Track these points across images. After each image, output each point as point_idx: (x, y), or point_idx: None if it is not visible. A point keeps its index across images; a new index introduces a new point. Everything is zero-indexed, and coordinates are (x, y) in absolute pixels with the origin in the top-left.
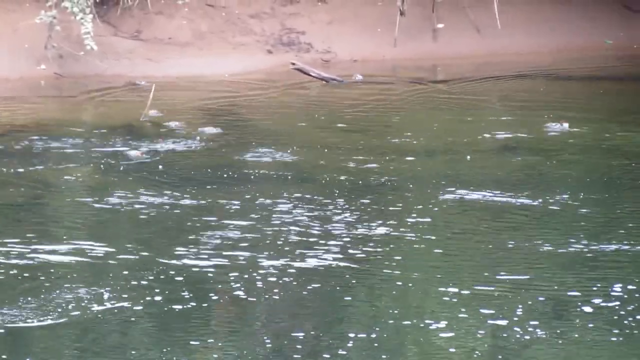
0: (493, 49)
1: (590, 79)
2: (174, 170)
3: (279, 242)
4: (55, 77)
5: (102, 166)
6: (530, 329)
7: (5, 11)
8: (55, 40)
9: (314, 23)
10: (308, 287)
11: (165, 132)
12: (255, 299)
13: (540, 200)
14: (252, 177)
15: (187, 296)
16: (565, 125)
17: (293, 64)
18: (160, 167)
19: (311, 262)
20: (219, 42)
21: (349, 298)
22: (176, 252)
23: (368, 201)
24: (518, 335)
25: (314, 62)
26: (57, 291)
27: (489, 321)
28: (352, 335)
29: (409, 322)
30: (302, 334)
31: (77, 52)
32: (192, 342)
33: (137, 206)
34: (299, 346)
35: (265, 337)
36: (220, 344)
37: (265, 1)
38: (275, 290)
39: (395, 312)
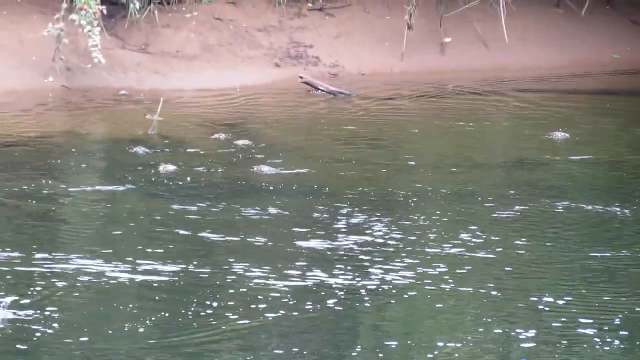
0: (501, 63)
1: (597, 93)
2: (184, 183)
3: (290, 258)
4: (63, 90)
5: (110, 179)
6: None
7: (13, 23)
8: (63, 53)
9: (321, 37)
10: (321, 305)
11: (173, 145)
12: (264, 318)
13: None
14: (262, 190)
15: (196, 311)
16: (567, 136)
17: (301, 77)
18: (168, 180)
19: (322, 280)
20: (227, 56)
21: (364, 319)
22: (189, 268)
23: (381, 215)
24: None
25: (322, 75)
26: (64, 307)
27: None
28: (360, 351)
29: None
30: (315, 353)
31: (85, 65)
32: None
33: (147, 219)
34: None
35: (277, 351)
36: None
37: (274, 15)
38: (287, 309)
39: (422, 331)
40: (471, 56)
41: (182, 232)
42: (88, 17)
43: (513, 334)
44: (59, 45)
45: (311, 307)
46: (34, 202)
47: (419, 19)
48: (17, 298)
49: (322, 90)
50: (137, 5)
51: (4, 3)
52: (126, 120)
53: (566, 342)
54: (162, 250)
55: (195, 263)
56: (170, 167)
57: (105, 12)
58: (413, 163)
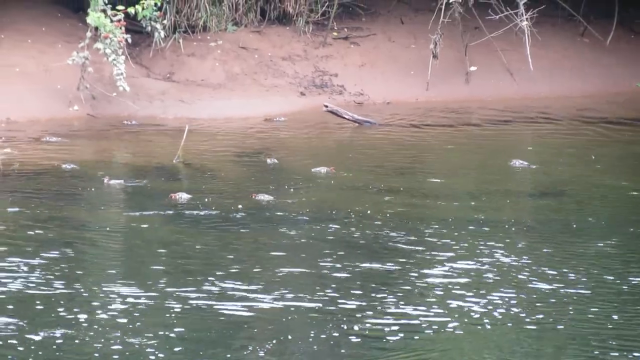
0: (525, 92)
1: (621, 122)
2: (209, 210)
3: (314, 285)
4: (88, 118)
5: (135, 207)
6: None
7: (38, 52)
8: (87, 81)
9: (346, 65)
10: (342, 330)
11: (197, 173)
12: (287, 343)
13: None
14: (285, 218)
15: (222, 336)
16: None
17: (326, 106)
18: (193, 207)
19: (343, 306)
20: (252, 84)
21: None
22: (211, 293)
23: (404, 244)
24: None
25: (346, 104)
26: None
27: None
28: None
29: None
30: None
31: (110, 93)
32: None
33: (171, 246)
34: None
35: None
36: None
37: (298, 43)
38: (310, 334)
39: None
40: (496, 85)
41: (203, 259)
42: (113, 45)
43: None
44: (84, 74)
45: (331, 331)
46: (58, 228)
47: (444, 47)
48: (44, 323)
49: (347, 119)
50: (162, 33)
51: (29, 32)
52: (151, 148)
53: None
54: (184, 277)
55: (215, 288)
56: (185, 195)
57: (129, 40)
58: (438, 191)
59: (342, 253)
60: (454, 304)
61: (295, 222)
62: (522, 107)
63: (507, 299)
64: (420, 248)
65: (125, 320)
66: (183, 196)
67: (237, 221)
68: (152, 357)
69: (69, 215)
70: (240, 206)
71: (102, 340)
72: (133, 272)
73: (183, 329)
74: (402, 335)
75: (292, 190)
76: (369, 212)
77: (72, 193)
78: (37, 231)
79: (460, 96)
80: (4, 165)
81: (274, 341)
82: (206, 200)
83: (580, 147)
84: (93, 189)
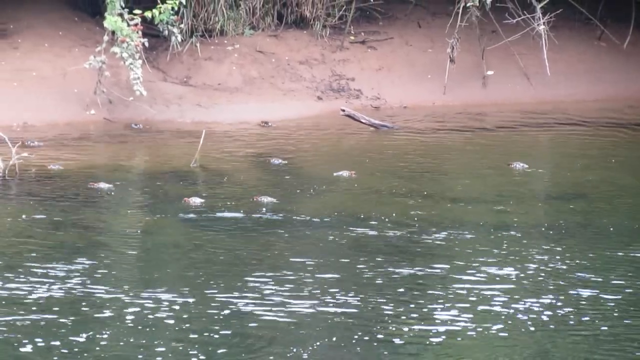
0: (542, 97)
1: (639, 126)
2: (226, 215)
3: (345, 289)
4: (105, 122)
5: (152, 211)
6: None
7: (55, 56)
8: (104, 85)
9: (363, 69)
10: (375, 336)
11: (215, 177)
12: (310, 350)
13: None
14: (306, 222)
15: (238, 340)
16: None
17: (343, 110)
18: (211, 212)
19: (359, 311)
20: (269, 88)
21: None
22: (228, 298)
23: (436, 248)
24: None
25: (363, 108)
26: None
27: None
28: None
29: None
30: None
31: (127, 97)
32: None
33: (189, 250)
34: None
35: None
36: None
37: (315, 47)
38: (338, 341)
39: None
40: (513, 89)
41: (221, 264)
42: (129, 49)
43: None
44: (101, 78)
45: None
46: (75, 232)
47: (461, 51)
48: (58, 325)
49: (364, 123)
50: (179, 37)
51: (46, 35)
52: (168, 153)
53: None
54: (202, 281)
55: (234, 293)
56: (199, 200)
57: (146, 44)
58: (462, 195)
59: (373, 257)
60: (489, 310)
61: (318, 226)
62: (539, 111)
63: (545, 305)
64: (452, 253)
65: (166, 324)
66: (197, 200)
67: (260, 225)
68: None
69: (86, 219)
70: (264, 209)
71: (144, 342)
72: (162, 276)
73: (227, 332)
74: (435, 340)
75: (314, 194)
76: (394, 215)
77: (88, 197)
78: (59, 234)
79: (477, 100)
80: (20, 169)
81: (307, 346)
82: (228, 204)
83: (599, 151)
84: (112, 193)
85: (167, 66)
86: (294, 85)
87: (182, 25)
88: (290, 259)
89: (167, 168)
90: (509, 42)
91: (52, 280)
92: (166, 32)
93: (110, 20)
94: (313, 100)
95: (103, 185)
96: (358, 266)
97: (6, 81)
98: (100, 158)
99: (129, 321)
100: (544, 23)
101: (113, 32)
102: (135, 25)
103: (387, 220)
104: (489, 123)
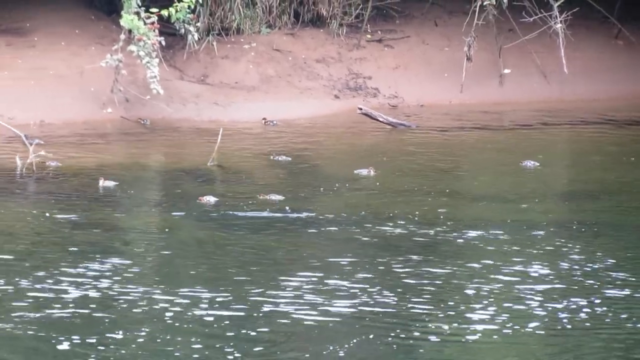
0: (559, 95)
1: None
2: (243, 213)
3: (366, 288)
4: (121, 121)
5: (169, 210)
6: None
7: (71, 54)
8: (121, 83)
9: (380, 68)
10: (409, 334)
11: (233, 175)
12: (332, 348)
13: None
14: (328, 220)
15: (274, 337)
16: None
17: (360, 108)
18: (228, 211)
19: (396, 310)
20: (286, 87)
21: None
22: (263, 297)
23: (467, 248)
24: None
25: (380, 106)
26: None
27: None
28: None
29: None
30: None
31: (143, 96)
32: None
33: (207, 248)
34: None
35: None
36: None
37: (332, 46)
38: (363, 336)
39: None
40: (530, 87)
41: (251, 263)
42: (146, 48)
43: None
44: (117, 76)
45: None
46: (97, 231)
47: (478, 50)
48: (94, 323)
49: (382, 122)
50: (196, 36)
51: (63, 34)
52: (185, 151)
53: None
54: (236, 279)
55: (255, 290)
56: (213, 198)
57: (163, 43)
58: (485, 193)
59: (405, 256)
60: (525, 309)
61: (344, 224)
62: (556, 109)
63: (580, 305)
64: (484, 252)
65: (202, 321)
66: (211, 199)
67: (285, 223)
68: (230, 357)
69: (106, 217)
70: (287, 207)
71: (180, 339)
72: (194, 275)
73: (263, 329)
74: (472, 338)
75: (336, 192)
76: (418, 213)
77: (107, 195)
78: (82, 234)
79: (494, 99)
80: (37, 167)
81: (343, 344)
82: (250, 202)
83: (617, 149)
84: (132, 191)
85: (184, 64)
86: (310, 84)
87: (198, 24)
88: (322, 258)
89: (184, 166)
90: (526, 40)
91: (83, 279)
92: (183, 31)
93: (127, 19)
94: (330, 98)
95: (120, 183)
96: (391, 265)
97: (23, 79)
98: (117, 156)
99: (167, 318)
100: (561, 21)
101: (130, 31)
102: (152, 23)
103: (413, 218)
104: (506, 121)
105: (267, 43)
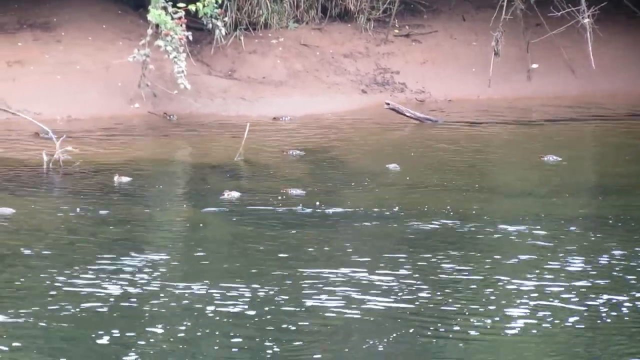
0: (587, 90)
1: None
2: (270, 209)
3: (379, 284)
4: (149, 116)
5: (199, 205)
6: None
7: (98, 49)
8: (148, 78)
9: (408, 63)
10: (439, 331)
11: (258, 172)
12: (354, 344)
13: None
14: (359, 215)
15: (313, 332)
16: None
17: (387, 103)
18: (254, 207)
19: (433, 305)
20: (313, 82)
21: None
22: (299, 292)
23: (503, 244)
24: None
25: (408, 101)
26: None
27: None
28: None
29: None
30: None
31: (171, 90)
32: None
33: (241, 243)
34: None
35: None
36: None
37: (360, 41)
38: (402, 331)
39: None
40: (557, 82)
41: (284, 259)
42: (174, 42)
43: None
44: (145, 71)
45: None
46: (128, 227)
47: (506, 45)
48: (133, 318)
49: (409, 117)
50: (223, 31)
51: (90, 29)
52: (212, 146)
53: None
54: (257, 275)
55: (305, 288)
56: (236, 194)
57: (190, 37)
58: (516, 189)
59: (439, 252)
60: (564, 306)
61: (375, 219)
62: (584, 104)
63: (620, 301)
64: (519, 247)
65: (244, 315)
66: (235, 195)
67: (316, 218)
68: (270, 352)
69: (135, 213)
70: (317, 202)
71: (219, 333)
72: (228, 270)
73: (302, 324)
74: (510, 332)
75: (366, 186)
76: (450, 208)
77: (134, 190)
78: (113, 230)
79: (522, 93)
80: (65, 163)
81: (382, 339)
82: (279, 198)
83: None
84: (160, 186)
85: (212, 59)
86: (338, 79)
87: (226, 19)
88: (356, 253)
89: (211, 162)
90: (554, 35)
91: (120, 274)
92: (210, 26)
93: (154, 14)
94: (357, 93)
95: (146, 178)
96: (429, 260)
97: (50, 74)
98: (144, 152)
99: (208, 311)
100: (588, 16)
101: (157, 26)
102: (179, 18)
103: (446, 213)
104: (534, 116)
105: (295, 38)
